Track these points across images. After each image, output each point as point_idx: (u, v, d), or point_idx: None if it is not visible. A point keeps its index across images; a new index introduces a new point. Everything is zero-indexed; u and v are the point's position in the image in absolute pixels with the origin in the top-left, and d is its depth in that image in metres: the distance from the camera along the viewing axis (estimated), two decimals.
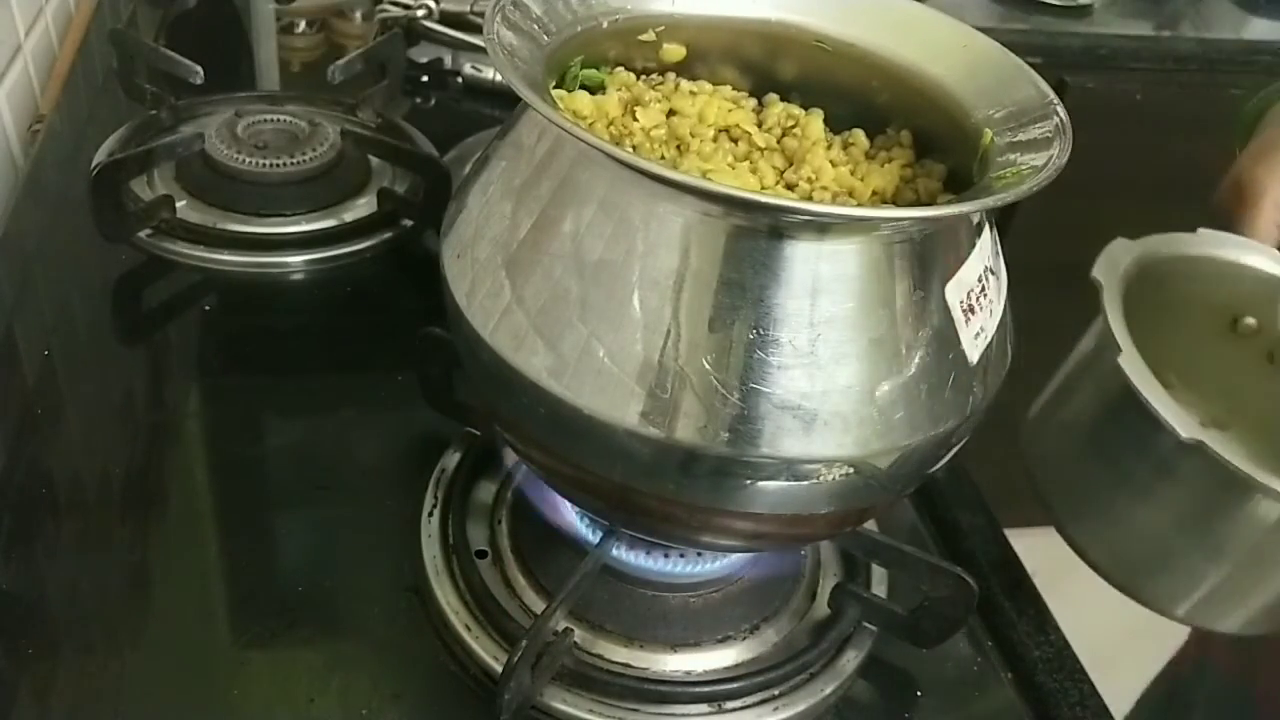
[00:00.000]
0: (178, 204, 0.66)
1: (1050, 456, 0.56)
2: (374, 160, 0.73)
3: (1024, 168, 0.36)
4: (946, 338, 0.36)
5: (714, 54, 0.46)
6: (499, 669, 0.42)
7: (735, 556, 0.47)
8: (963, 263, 0.37)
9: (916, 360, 0.36)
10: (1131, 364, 0.48)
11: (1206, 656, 0.75)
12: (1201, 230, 0.58)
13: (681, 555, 0.46)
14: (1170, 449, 0.47)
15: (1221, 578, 0.50)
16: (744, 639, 0.47)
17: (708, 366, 0.34)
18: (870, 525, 0.49)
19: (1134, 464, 0.50)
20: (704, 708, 0.44)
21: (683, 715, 0.44)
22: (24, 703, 0.42)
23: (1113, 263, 0.54)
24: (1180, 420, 0.46)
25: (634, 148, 0.42)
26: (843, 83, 0.45)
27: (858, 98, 0.45)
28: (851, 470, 0.36)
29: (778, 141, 0.44)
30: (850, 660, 0.46)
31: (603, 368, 0.35)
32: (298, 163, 0.69)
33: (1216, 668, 0.74)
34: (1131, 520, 0.51)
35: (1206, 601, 0.51)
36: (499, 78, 0.87)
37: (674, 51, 0.45)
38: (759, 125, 0.44)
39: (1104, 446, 0.52)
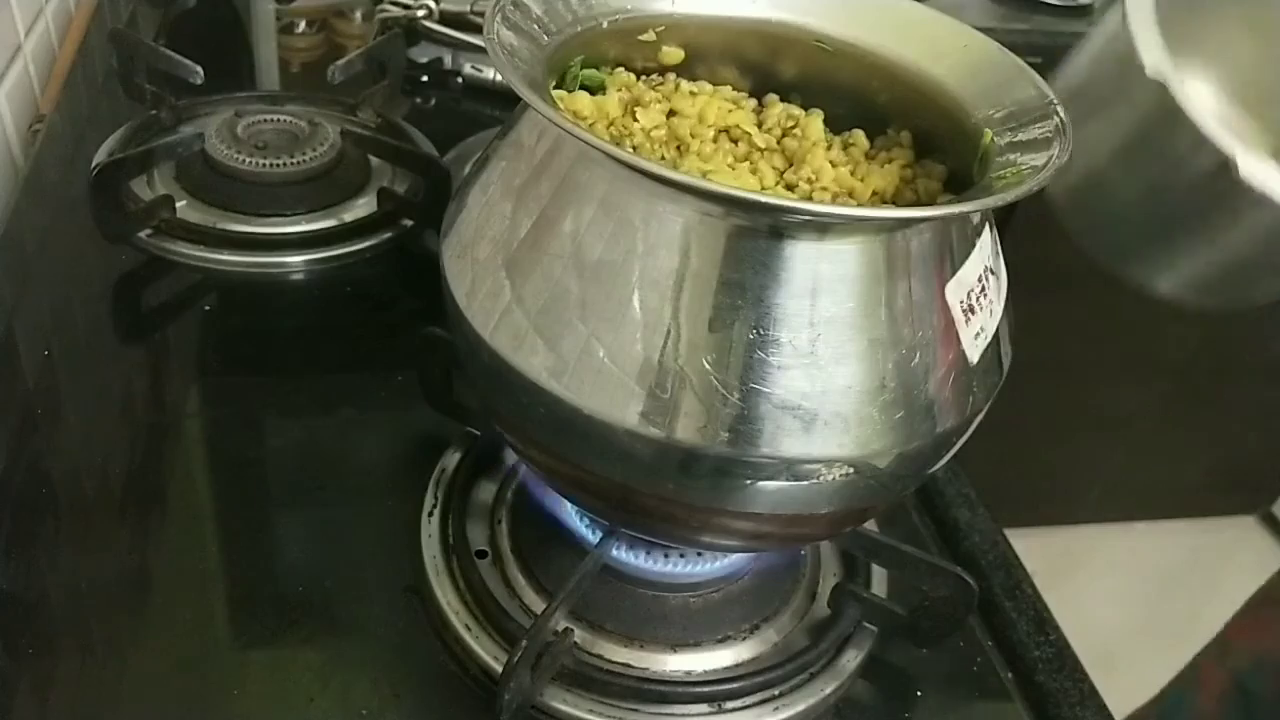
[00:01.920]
0: (178, 204, 0.66)
1: (1090, 202, 0.51)
2: (374, 160, 0.73)
3: (1024, 168, 0.36)
4: (946, 338, 0.36)
5: (714, 54, 0.46)
6: (499, 669, 0.42)
7: (735, 557, 0.47)
8: (963, 263, 0.37)
9: (916, 360, 0.36)
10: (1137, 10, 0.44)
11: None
12: None
13: (681, 555, 0.46)
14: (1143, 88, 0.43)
15: (1190, 241, 0.47)
16: (744, 639, 0.47)
17: (708, 366, 0.34)
18: (870, 525, 0.49)
19: (1114, 103, 0.46)
20: (704, 708, 0.44)
21: (683, 715, 0.44)
22: (24, 703, 0.42)
23: None
24: (1148, 46, 0.42)
25: (634, 148, 0.42)
26: (843, 83, 0.45)
27: (858, 98, 0.45)
28: (851, 470, 0.36)
29: (778, 142, 0.44)
30: (850, 660, 0.46)
31: (603, 368, 0.35)
32: (298, 163, 0.69)
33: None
34: (1112, 186, 0.48)
35: (1185, 276, 0.48)
36: (499, 78, 0.87)
37: (672, 54, 0.45)
38: (759, 126, 0.44)
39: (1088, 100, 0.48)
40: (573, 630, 0.44)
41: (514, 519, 0.50)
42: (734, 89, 0.46)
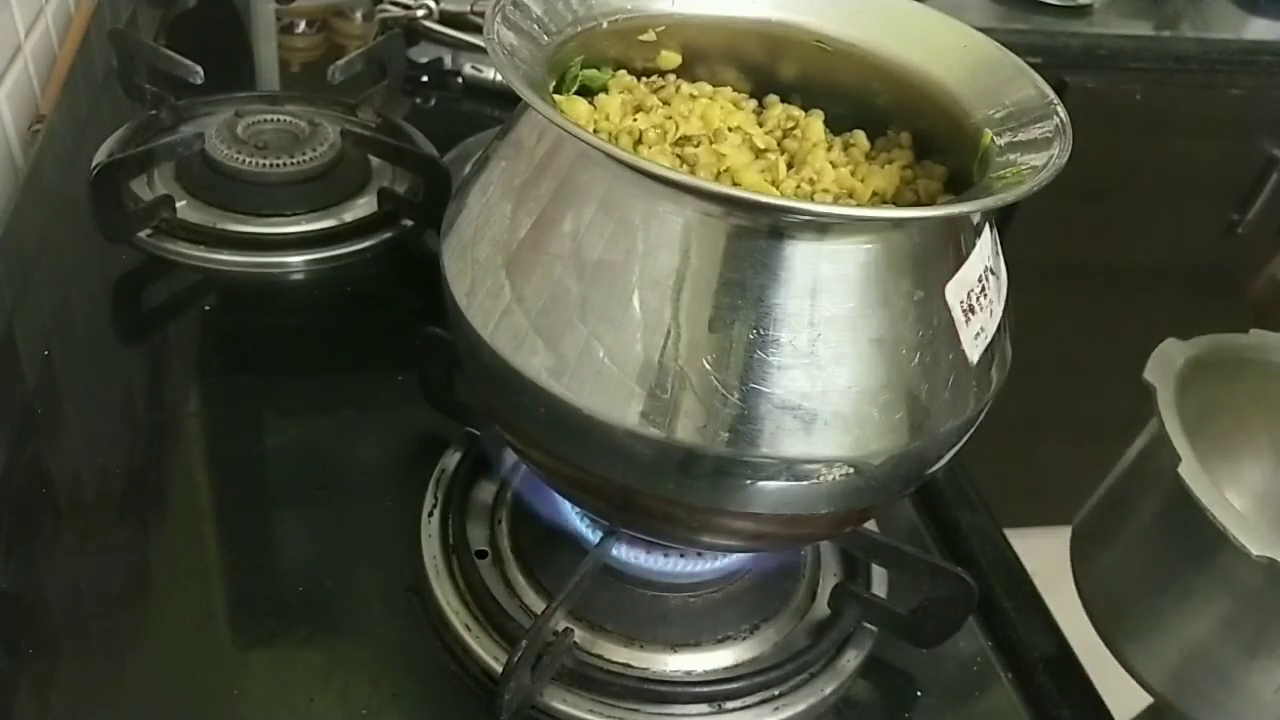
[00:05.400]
0: (178, 204, 0.66)
1: (1102, 571, 0.53)
2: (374, 160, 0.73)
3: (1024, 168, 0.36)
4: (946, 338, 0.36)
5: (714, 55, 0.46)
6: (499, 669, 0.42)
7: (735, 556, 0.47)
8: (963, 263, 0.37)
9: (916, 360, 0.36)
10: (1193, 475, 0.46)
11: None
12: (1253, 331, 0.56)
13: (681, 555, 0.46)
14: (1235, 564, 0.44)
15: None
16: (744, 639, 0.47)
17: (708, 366, 0.34)
18: (870, 525, 0.49)
19: (1195, 579, 0.47)
20: (704, 708, 0.44)
21: (683, 715, 0.44)
22: (24, 703, 0.42)
23: (1165, 363, 0.52)
24: (1249, 535, 0.43)
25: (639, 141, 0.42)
26: (843, 84, 0.45)
27: (858, 99, 0.44)
28: (851, 470, 0.36)
29: (779, 143, 0.44)
30: (850, 660, 0.46)
31: (603, 368, 0.35)
32: (298, 163, 0.69)
33: None
34: (1190, 637, 0.49)
35: None
36: (499, 78, 0.87)
37: (670, 59, 0.45)
38: (759, 127, 0.44)
39: (1161, 560, 0.50)
40: (573, 630, 0.44)
41: (514, 519, 0.50)
42: (734, 90, 0.46)
